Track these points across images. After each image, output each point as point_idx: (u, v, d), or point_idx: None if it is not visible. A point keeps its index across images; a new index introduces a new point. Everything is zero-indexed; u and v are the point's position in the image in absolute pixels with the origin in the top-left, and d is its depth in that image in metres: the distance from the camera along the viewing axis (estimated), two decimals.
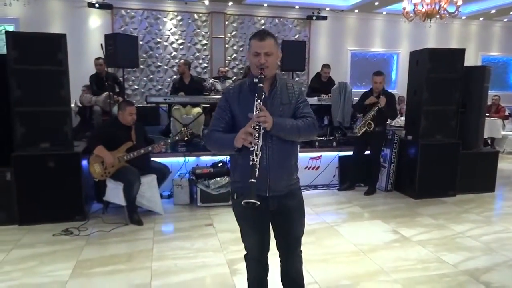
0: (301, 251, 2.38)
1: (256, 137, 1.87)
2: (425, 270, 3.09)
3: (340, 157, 5.55)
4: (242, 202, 1.83)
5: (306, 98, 2.27)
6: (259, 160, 1.89)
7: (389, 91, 5.27)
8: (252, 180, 1.82)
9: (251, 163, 1.85)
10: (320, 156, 5.54)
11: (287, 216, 2.19)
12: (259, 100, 1.93)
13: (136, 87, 8.25)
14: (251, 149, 1.87)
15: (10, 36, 3.81)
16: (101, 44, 5.13)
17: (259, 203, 1.81)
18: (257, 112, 1.91)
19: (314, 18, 8.66)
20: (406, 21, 7.41)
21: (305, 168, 5.48)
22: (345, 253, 3.40)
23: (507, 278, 2.98)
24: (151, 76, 8.28)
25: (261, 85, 1.97)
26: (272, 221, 2.20)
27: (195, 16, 8.36)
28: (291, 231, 2.24)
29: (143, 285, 2.80)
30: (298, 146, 2.26)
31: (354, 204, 4.77)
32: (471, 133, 5.21)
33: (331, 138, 5.65)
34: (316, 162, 5.54)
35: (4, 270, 3.01)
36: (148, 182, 4.18)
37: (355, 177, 5.34)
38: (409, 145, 5.14)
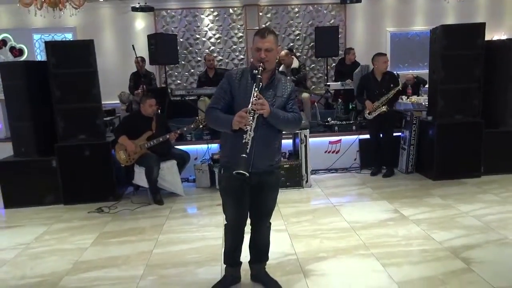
0: (270, 223, 2.68)
1: (251, 120, 2.18)
2: (407, 246, 3.17)
3: (360, 140, 5.59)
4: (234, 172, 2.13)
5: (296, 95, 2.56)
6: (250, 140, 2.17)
7: None
8: (244, 155, 2.12)
9: (244, 141, 2.15)
10: (340, 140, 5.63)
11: (264, 190, 2.49)
12: (256, 89, 2.24)
13: (178, 81, 8.88)
14: (245, 129, 2.17)
15: (48, 45, 4.50)
16: (132, 45, 5.70)
17: (248, 174, 2.13)
18: (255, 99, 2.21)
19: (348, 1, 8.54)
20: None
21: (325, 152, 5.61)
22: (335, 229, 3.57)
23: (491, 255, 2.97)
24: (192, 70, 8.84)
25: (259, 76, 2.27)
26: (251, 194, 2.49)
27: (230, 10, 8.72)
28: (264, 204, 2.55)
29: (145, 252, 3.28)
30: (282, 133, 2.54)
31: (367, 186, 4.84)
32: (498, 110, 4.94)
33: (350, 122, 5.70)
34: (336, 146, 5.64)
35: (44, 238, 3.70)
36: (168, 167, 4.67)
37: (379, 160, 5.34)
38: (428, 126, 5.04)
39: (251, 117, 2.18)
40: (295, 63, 6.25)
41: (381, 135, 5.19)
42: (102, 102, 4.73)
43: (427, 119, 5.13)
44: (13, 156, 4.74)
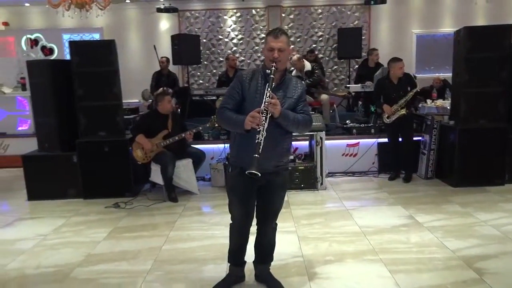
0: (276, 224, 2.68)
1: (263, 120, 2.18)
2: (418, 253, 3.08)
3: (379, 144, 5.48)
4: (246, 172, 2.12)
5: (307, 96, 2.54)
6: (261, 140, 2.15)
7: None
8: (256, 155, 2.12)
9: (256, 141, 2.15)
10: (358, 142, 5.54)
11: (271, 191, 2.50)
12: (269, 89, 2.24)
13: (201, 81, 9.00)
14: (258, 129, 2.17)
15: (72, 44, 4.66)
16: (154, 46, 5.82)
17: (260, 174, 2.11)
18: (268, 98, 2.22)
19: (372, 2, 8.41)
20: None
21: (342, 154, 5.54)
22: (345, 233, 3.52)
23: (506, 266, 2.84)
24: (214, 71, 8.95)
25: (272, 76, 2.28)
26: (257, 195, 2.51)
27: (253, 11, 8.77)
28: (271, 205, 2.56)
29: (155, 248, 3.34)
30: (291, 135, 2.51)
31: (384, 190, 4.74)
32: None
33: (369, 124, 5.60)
34: (353, 149, 5.56)
35: (62, 230, 3.84)
36: (184, 165, 4.74)
37: (397, 164, 5.22)
38: (449, 130, 4.88)
39: (264, 117, 2.17)
40: (308, 66, 6.21)
41: (400, 139, 5.07)
42: (127, 101, 4.85)
43: (449, 124, 4.96)
44: (37, 151, 4.94)
